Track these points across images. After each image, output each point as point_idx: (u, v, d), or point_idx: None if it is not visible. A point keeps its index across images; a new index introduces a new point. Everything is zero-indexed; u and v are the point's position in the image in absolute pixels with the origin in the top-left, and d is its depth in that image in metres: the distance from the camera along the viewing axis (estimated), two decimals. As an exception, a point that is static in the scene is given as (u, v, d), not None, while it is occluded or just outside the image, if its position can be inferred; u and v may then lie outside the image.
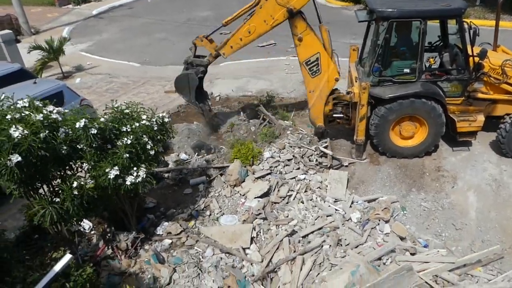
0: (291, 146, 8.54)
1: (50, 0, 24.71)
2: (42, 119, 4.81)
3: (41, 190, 5.50)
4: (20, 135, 4.51)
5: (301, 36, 7.80)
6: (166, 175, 8.21)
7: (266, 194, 7.49)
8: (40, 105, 5.14)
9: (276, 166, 8.08)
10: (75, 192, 5.12)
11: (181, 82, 8.68)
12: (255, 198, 7.38)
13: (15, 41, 14.28)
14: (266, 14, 7.62)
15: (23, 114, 4.78)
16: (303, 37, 7.81)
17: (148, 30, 18.81)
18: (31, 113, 4.83)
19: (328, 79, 8.10)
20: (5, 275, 4.61)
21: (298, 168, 8.09)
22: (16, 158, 4.48)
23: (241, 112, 10.32)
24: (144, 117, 5.98)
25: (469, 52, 7.73)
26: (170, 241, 6.76)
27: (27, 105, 5.03)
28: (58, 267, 4.47)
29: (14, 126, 4.56)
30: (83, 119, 5.22)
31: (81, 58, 15.84)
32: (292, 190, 7.63)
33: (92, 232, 6.89)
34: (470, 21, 7.77)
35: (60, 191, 5.24)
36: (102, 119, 5.59)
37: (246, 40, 7.98)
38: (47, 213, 5.03)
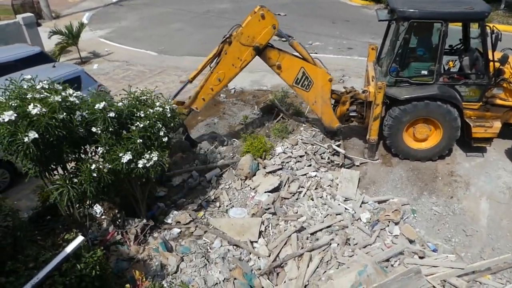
0: (303, 143, 8.53)
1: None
2: (60, 100, 4.90)
3: (55, 172, 5.60)
4: (38, 112, 4.62)
5: (279, 64, 7.72)
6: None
7: (276, 189, 7.50)
8: (60, 88, 5.23)
9: (287, 162, 8.08)
10: (94, 175, 5.21)
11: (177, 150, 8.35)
12: (265, 192, 7.40)
13: (36, 25, 14.44)
14: (233, 58, 7.51)
15: (42, 95, 4.88)
16: (281, 63, 7.73)
17: (167, 20, 18.89)
18: (51, 94, 4.92)
19: (323, 84, 8.02)
20: (18, 253, 4.70)
21: (310, 165, 8.08)
22: (33, 134, 4.59)
23: (255, 106, 10.33)
24: (158, 103, 6.03)
25: (490, 57, 7.60)
26: (179, 230, 6.83)
27: (46, 87, 5.12)
28: (70, 248, 4.54)
29: (32, 104, 4.65)
30: (103, 102, 5.31)
31: (99, 45, 15.99)
32: (302, 187, 7.62)
33: (103, 216, 6.99)
34: (493, 26, 7.63)
35: (78, 173, 5.33)
36: (120, 104, 5.67)
37: (217, 88, 7.85)
38: (65, 192, 5.13)
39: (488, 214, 7.23)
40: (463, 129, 8.11)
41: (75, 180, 5.27)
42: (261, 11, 7.26)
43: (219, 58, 7.67)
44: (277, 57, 7.71)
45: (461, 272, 5.79)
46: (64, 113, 4.91)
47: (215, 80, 7.71)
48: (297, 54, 7.95)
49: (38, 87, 5.10)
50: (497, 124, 8.00)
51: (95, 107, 5.31)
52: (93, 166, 5.25)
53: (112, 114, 5.39)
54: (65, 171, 5.54)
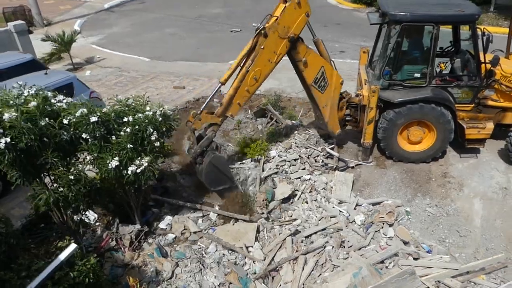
0: (297, 146, 8.54)
1: (63, -8, 24.85)
2: (36, 105, 4.92)
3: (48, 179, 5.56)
4: (9, 118, 4.65)
5: (305, 60, 7.34)
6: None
7: (287, 199, 7.40)
8: (50, 94, 5.21)
9: (282, 166, 8.08)
10: (71, 177, 5.15)
11: (212, 176, 7.00)
12: (275, 200, 7.31)
13: (28, 32, 14.38)
14: (269, 52, 6.92)
15: (21, 101, 4.90)
16: (307, 59, 7.38)
17: (159, 25, 18.88)
18: (31, 100, 4.95)
19: (335, 86, 7.98)
20: (11, 262, 4.65)
21: (304, 168, 8.09)
22: (4, 140, 4.61)
23: (249, 111, 10.33)
24: (147, 108, 5.99)
25: (481, 58, 7.68)
26: (174, 235, 6.79)
27: (32, 93, 5.11)
28: (63, 256, 4.50)
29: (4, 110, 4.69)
30: (82, 108, 5.27)
31: (91, 51, 15.94)
32: (297, 190, 7.62)
33: (97, 223, 6.94)
34: (484, 28, 7.71)
35: (59, 177, 5.30)
36: (104, 109, 5.62)
37: (253, 89, 7.15)
38: (45, 197, 5.09)
39: (482, 215, 7.27)
40: (457, 130, 8.16)
41: (55, 184, 5.22)
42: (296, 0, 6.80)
43: (253, 54, 6.95)
44: (304, 53, 7.32)
45: (456, 273, 5.81)
46: (47, 118, 4.89)
47: (251, 80, 6.97)
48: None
49: (25, 94, 5.09)
50: (490, 125, 8.07)
51: (77, 114, 5.25)
52: (72, 169, 5.21)
53: (94, 119, 5.31)
54: (51, 176, 5.49)
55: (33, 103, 4.93)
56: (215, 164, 6.89)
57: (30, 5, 18.76)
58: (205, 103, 7.21)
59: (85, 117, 5.25)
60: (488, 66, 7.72)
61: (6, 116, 4.67)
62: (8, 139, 4.63)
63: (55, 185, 5.25)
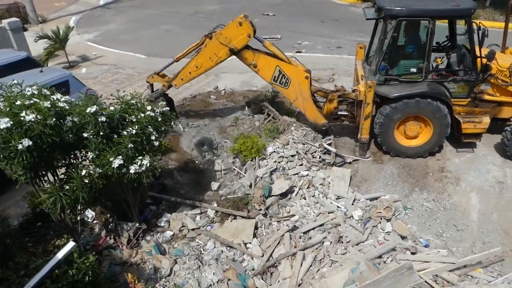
0: (295, 142, 8.53)
1: (58, -11, 24.67)
2: (49, 106, 4.86)
3: (46, 178, 5.54)
4: (32, 120, 4.60)
5: (254, 63, 8.21)
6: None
7: (285, 195, 7.45)
8: (48, 93, 5.18)
9: (279, 162, 8.08)
10: (86, 181, 5.19)
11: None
12: (273, 196, 7.34)
13: (22, 29, 14.28)
14: (210, 52, 8.16)
15: (31, 102, 4.83)
16: (256, 62, 8.20)
17: (155, 22, 18.78)
18: (40, 100, 4.87)
19: (300, 81, 8.23)
20: (8, 261, 4.64)
21: (302, 164, 8.09)
22: (27, 142, 4.56)
23: (246, 107, 10.31)
24: (149, 107, 6.00)
25: (477, 53, 7.69)
26: (172, 232, 6.80)
27: (36, 92, 5.07)
28: (61, 254, 4.50)
29: (25, 111, 4.61)
30: (95, 105, 5.26)
31: (87, 48, 15.85)
32: (294, 186, 7.63)
33: (95, 221, 6.93)
34: (479, 22, 7.72)
35: (69, 179, 5.28)
36: (111, 108, 5.62)
37: (194, 73, 8.54)
38: (58, 200, 5.08)
39: (479, 209, 7.31)
40: (453, 125, 8.18)
41: (67, 187, 5.22)
42: (239, 19, 7.79)
43: (200, 48, 8.35)
44: (252, 57, 8.19)
45: (453, 267, 5.85)
46: (54, 119, 4.86)
47: (193, 66, 8.44)
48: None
49: (28, 93, 5.06)
50: (486, 120, 8.09)
51: (87, 111, 5.24)
52: (84, 172, 5.20)
53: (103, 118, 5.33)
54: (56, 178, 5.47)
55: (47, 104, 4.89)
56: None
57: (25, 2, 18.60)
58: (161, 69, 9.05)
59: (94, 116, 5.24)
60: (484, 60, 7.74)
61: (29, 117, 4.60)
62: (30, 142, 4.59)
63: (66, 187, 5.24)
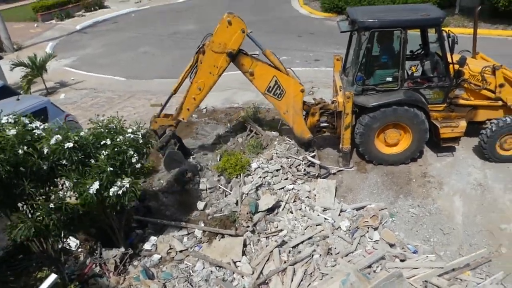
0: (278, 157, 8.55)
1: (33, 16, 24.57)
2: (15, 134, 4.78)
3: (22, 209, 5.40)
4: None
5: (251, 71, 7.87)
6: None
7: (272, 209, 7.38)
8: (27, 121, 5.10)
9: (264, 177, 8.08)
10: (51, 205, 5.03)
11: (170, 164, 8.17)
12: (260, 212, 7.28)
13: (-3, 58, 14.13)
14: (208, 66, 7.70)
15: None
16: (253, 70, 7.87)
17: (133, 44, 18.80)
18: (5, 129, 4.80)
19: (295, 94, 8.15)
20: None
21: (287, 178, 8.09)
22: None
23: (228, 124, 10.33)
24: (129, 130, 5.94)
25: (449, 59, 7.90)
26: (159, 256, 6.69)
27: (11, 121, 4.99)
28: (43, 287, 4.37)
29: None
30: (56, 135, 5.17)
31: (65, 74, 15.74)
32: (281, 201, 7.62)
33: (79, 249, 6.78)
34: (449, 30, 7.96)
35: (39, 206, 5.16)
36: (81, 133, 5.54)
37: (200, 97, 8.04)
38: (24, 228, 4.94)
39: (463, 211, 7.40)
40: (431, 130, 8.34)
41: (37, 213, 5.09)
42: (227, 18, 7.38)
43: (196, 68, 7.88)
44: (250, 64, 7.83)
45: (442, 271, 5.88)
46: (25, 147, 4.76)
47: (195, 89, 7.91)
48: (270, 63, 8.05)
49: (3, 121, 4.97)
50: (463, 123, 8.27)
51: (51, 142, 5.14)
52: (52, 197, 5.07)
53: (70, 145, 5.21)
54: (28, 207, 5.33)
55: (12, 132, 4.80)
56: (171, 157, 8.04)
57: (-1, 30, 18.48)
58: (160, 109, 8.50)
59: (61, 144, 5.14)
60: (456, 66, 7.95)
61: None
62: None
63: (35, 214, 5.10)
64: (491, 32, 15.63)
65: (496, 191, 7.79)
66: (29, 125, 5.26)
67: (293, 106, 8.25)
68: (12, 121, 5.02)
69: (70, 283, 5.18)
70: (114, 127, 5.92)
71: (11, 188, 4.96)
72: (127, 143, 5.74)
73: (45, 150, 5.02)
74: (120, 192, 5.40)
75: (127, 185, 5.44)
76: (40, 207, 5.03)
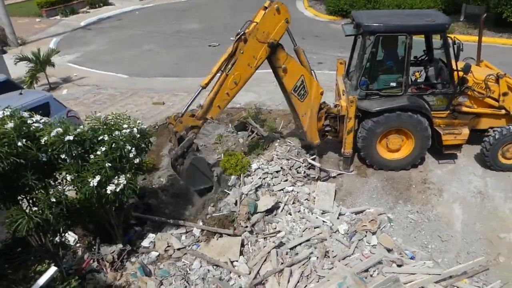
0: (279, 158, 8.55)
1: (38, 12, 24.62)
2: (13, 126, 4.81)
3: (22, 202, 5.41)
4: None
5: (285, 67, 7.51)
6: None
7: (271, 211, 7.36)
8: (26, 115, 5.11)
9: (264, 178, 8.08)
10: (53, 199, 5.03)
11: (193, 176, 7.22)
12: (259, 212, 7.25)
13: (1, 52, 14.15)
14: (248, 57, 7.11)
15: None
16: (287, 66, 7.54)
17: (137, 42, 18.84)
18: (4, 123, 4.82)
19: (315, 96, 8.09)
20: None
21: (286, 180, 8.09)
22: None
23: (230, 124, 10.34)
24: (125, 125, 5.93)
25: (454, 66, 7.90)
26: (157, 253, 6.68)
27: (7, 114, 5.00)
28: (42, 280, 4.38)
29: None
30: (57, 128, 5.18)
31: (68, 70, 15.76)
32: (280, 202, 7.61)
33: (77, 244, 6.78)
34: (454, 36, 7.95)
35: (38, 200, 5.16)
36: (78, 129, 5.54)
37: (232, 92, 7.33)
38: (24, 222, 4.94)
39: (462, 219, 7.39)
40: (434, 137, 8.33)
41: (35, 208, 5.09)
42: (275, 5, 7.03)
43: (233, 58, 7.13)
44: (284, 59, 7.50)
45: (439, 278, 5.87)
46: (24, 140, 4.77)
47: (231, 83, 7.17)
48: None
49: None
50: (465, 131, 8.27)
51: (51, 134, 5.16)
52: (52, 191, 5.09)
53: (70, 138, 5.20)
54: (28, 198, 5.34)
55: (10, 125, 4.82)
56: (196, 165, 7.11)
57: (4, 24, 18.51)
58: (186, 106, 7.32)
59: (60, 137, 5.15)
60: (461, 73, 7.94)
61: None
62: None
63: (34, 208, 5.10)
64: (495, 40, 15.66)
65: (496, 199, 7.78)
66: (30, 118, 5.27)
67: (311, 109, 8.14)
68: (9, 115, 5.03)
69: (68, 277, 5.17)
70: (112, 123, 5.91)
71: (11, 181, 4.96)
72: (124, 138, 5.72)
73: (44, 139, 5.03)
74: (117, 189, 5.39)
75: (124, 182, 5.43)
76: (41, 200, 5.02)
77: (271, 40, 7.16)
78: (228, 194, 7.71)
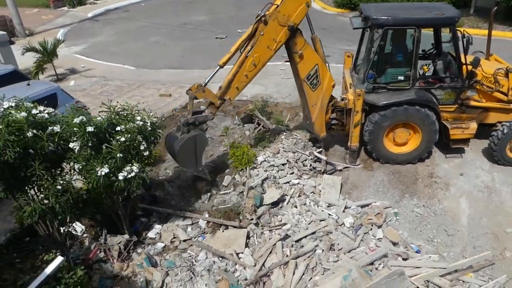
0: (285, 151, 8.55)
1: (45, 2, 24.64)
2: (26, 115, 4.85)
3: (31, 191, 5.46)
4: None
5: (301, 53, 7.47)
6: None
7: (276, 204, 7.40)
8: (30, 105, 5.14)
9: (270, 171, 8.09)
10: (58, 187, 5.07)
11: (184, 150, 7.07)
12: (264, 205, 7.29)
13: (9, 43, 14.20)
14: (268, 39, 7.08)
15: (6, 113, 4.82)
16: (303, 52, 7.50)
17: (144, 33, 18.83)
18: (13, 112, 4.87)
19: (326, 88, 8.04)
20: (-5, 278, 4.57)
21: (292, 173, 8.10)
22: None
23: (236, 117, 10.33)
24: (138, 118, 5.97)
25: (462, 60, 7.82)
26: (163, 244, 6.73)
27: (13, 105, 5.03)
28: (49, 269, 4.43)
29: None
30: (81, 115, 5.22)
31: (75, 61, 15.81)
32: (285, 195, 7.63)
33: (85, 235, 6.84)
34: (464, 30, 7.86)
35: (44, 188, 5.22)
36: (98, 118, 5.59)
37: (251, 74, 7.28)
38: (30, 209, 4.99)
39: (468, 213, 7.37)
40: (441, 131, 8.28)
41: (41, 195, 5.13)
42: None
43: (252, 40, 7.10)
44: (302, 45, 7.47)
45: (444, 272, 5.87)
46: (34, 130, 4.81)
47: (250, 65, 7.13)
48: None
49: (5, 106, 5.02)
50: (473, 125, 8.20)
51: (74, 121, 5.20)
52: (59, 180, 5.13)
53: (91, 129, 5.28)
54: (36, 190, 5.39)
55: (23, 114, 4.85)
56: (196, 141, 7.13)
57: (12, 15, 18.55)
58: (207, 80, 7.20)
59: (82, 126, 5.19)
60: (470, 67, 7.86)
61: None
62: None
63: (41, 196, 5.15)
64: (506, 34, 15.46)
65: (503, 194, 7.74)
66: (34, 109, 5.31)
67: (321, 100, 8.11)
68: (14, 105, 5.07)
69: (75, 267, 5.23)
70: (126, 114, 5.95)
71: (19, 171, 5.00)
72: (137, 130, 5.77)
73: (56, 129, 5.07)
74: (129, 176, 5.43)
75: (136, 170, 5.47)
76: (48, 188, 5.06)
77: (291, 23, 7.12)
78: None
